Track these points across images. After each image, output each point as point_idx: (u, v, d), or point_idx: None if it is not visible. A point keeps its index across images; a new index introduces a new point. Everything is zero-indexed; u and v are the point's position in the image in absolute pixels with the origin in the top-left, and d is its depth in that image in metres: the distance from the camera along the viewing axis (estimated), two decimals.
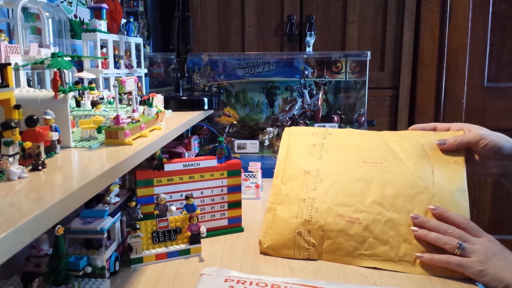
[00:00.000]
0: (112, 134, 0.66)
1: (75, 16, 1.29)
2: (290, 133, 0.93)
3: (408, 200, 0.77)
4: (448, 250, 0.70)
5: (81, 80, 0.92)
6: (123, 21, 1.14)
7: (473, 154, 0.82)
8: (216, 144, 0.89)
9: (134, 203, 0.78)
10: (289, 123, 1.46)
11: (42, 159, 0.51)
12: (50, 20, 0.83)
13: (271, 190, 0.85)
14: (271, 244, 0.78)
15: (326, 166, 0.84)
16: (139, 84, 1.19)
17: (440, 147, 0.81)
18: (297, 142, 0.91)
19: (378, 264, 0.73)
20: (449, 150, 0.81)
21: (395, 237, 0.74)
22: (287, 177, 0.85)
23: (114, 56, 1.07)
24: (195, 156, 1.18)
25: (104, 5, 1.01)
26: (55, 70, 0.62)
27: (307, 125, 1.46)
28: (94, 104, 0.82)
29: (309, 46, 1.82)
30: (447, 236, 0.71)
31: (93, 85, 0.91)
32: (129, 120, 0.69)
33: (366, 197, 0.78)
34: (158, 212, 0.77)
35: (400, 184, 0.78)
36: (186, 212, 0.79)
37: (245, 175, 1.16)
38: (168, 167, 0.84)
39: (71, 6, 1.26)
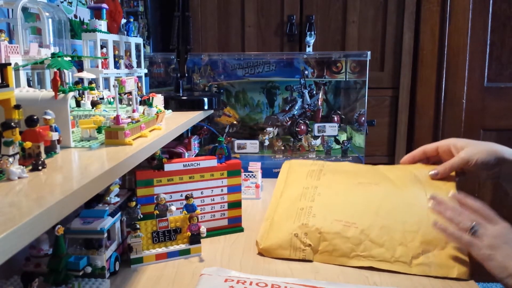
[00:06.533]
0: (112, 134, 0.66)
1: (75, 16, 1.29)
2: (290, 164, 1.00)
3: (403, 212, 0.79)
4: (460, 229, 0.71)
5: (81, 80, 0.92)
6: (123, 21, 1.14)
7: (465, 170, 0.88)
8: (216, 144, 0.89)
9: (134, 203, 0.78)
10: (289, 123, 1.46)
11: (42, 159, 0.51)
12: (50, 20, 0.83)
13: (270, 204, 0.89)
14: (268, 245, 0.78)
15: (324, 184, 0.89)
16: (139, 84, 1.19)
17: (434, 177, 0.87)
18: (296, 169, 0.97)
19: (374, 264, 0.74)
20: (440, 178, 0.87)
21: (391, 241, 0.75)
22: (286, 193, 0.89)
23: (114, 56, 1.07)
24: (195, 156, 1.18)
25: (104, 5, 1.01)
26: (55, 70, 0.62)
27: (307, 125, 1.46)
28: (94, 104, 0.82)
29: (309, 46, 1.82)
30: (461, 217, 0.73)
31: (93, 85, 0.91)
32: (129, 120, 0.69)
33: (363, 208, 0.81)
34: (158, 212, 0.77)
35: (395, 201, 0.82)
36: (186, 212, 0.79)
37: (245, 175, 1.16)
38: (168, 167, 0.84)
39: (71, 6, 1.26)
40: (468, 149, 0.83)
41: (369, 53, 1.42)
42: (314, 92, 1.44)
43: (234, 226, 0.91)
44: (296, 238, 0.78)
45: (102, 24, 1.00)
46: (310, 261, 0.76)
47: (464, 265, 0.72)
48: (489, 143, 0.86)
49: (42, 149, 0.52)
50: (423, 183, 0.85)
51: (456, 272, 0.70)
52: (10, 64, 0.53)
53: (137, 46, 1.20)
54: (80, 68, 1.05)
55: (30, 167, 0.51)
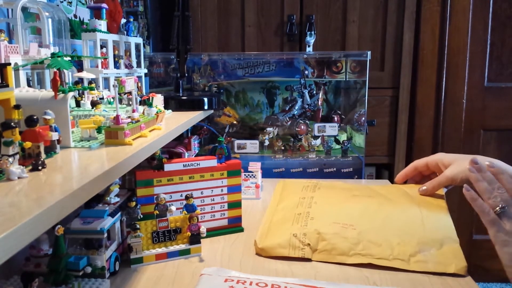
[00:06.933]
0: (112, 134, 0.66)
1: (75, 16, 1.29)
2: (284, 183, 1.04)
3: (398, 219, 0.82)
4: (489, 204, 0.71)
5: (81, 80, 0.92)
6: (123, 21, 1.14)
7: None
8: (216, 144, 0.89)
9: (134, 203, 0.78)
10: (289, 123, 1.46)
11: (42, 159, 0.51)
12: (49, 20, 0.83)
13: (266, 213, 0.91)
14: (266, 245, 0.78)
15: (320, 196, 0.93)
16: (139, 84, 1.19)
17: (422, 193, 0.92)
18: (291, 186, 1.01)
19: (372, 261, 0.74)
20: (429, 194, 0.92)
21: (388, 242, 0.76)
22: (282, 204, 0.92)
23: (114, 56, 1.06)
24: (195, 156, 1.18)
25: (104, 5, 1.01)
26: (55, 70, 0.62)
27: (307, 125, 1.46)
28: (94, 104, 0.82)
29: (309, 46, 1.82)
30: (495, 193, 0.72)
31: (93, 85, 0.91)
32: (129, 120, 0.69)
33: (359, 214, 0.83)
34: (158, 212, 0.77)
35: (389, 209, 0.85)
36: (186, 212, 0.78)
37: (245, 175, 1.16)
38: (168, 167, 0.83)
39: (70, 6, 1.26)
40: (453, 167, 0.87)
41: (369, 53, 1.42)
42: (314, 92, 1.44)
43: (234, 226, 0.91)
44: (295, 238, 0.78)
45: (102, 24, 1.00)
46: (309, 259, 0.76)
47: (462, 261, 0.72)
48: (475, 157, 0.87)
49: (42, 149, 0.52)
50: (415, 198, 0.90)
51: (454, 268, 0.71)
52: (9, 64, 0.53)
53: (137, 46, 1.20)
54: (80, 68, 1.05)
55: (30, 167, 0.50)
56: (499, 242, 0.68)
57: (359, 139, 1.46)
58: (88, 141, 0.67)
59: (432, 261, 0.72)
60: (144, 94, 1.17)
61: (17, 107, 0.53)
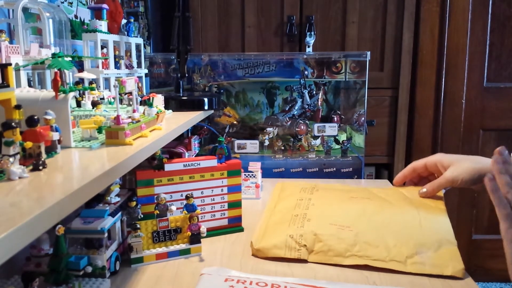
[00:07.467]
0: (113, 134, 0.66)
1: (76, 16, 1.29)
2: (282, 185, 1.05)
3: (396, 221, 0.82)
4: (506, 198, 0.68)
5: (81, 80, 0.92)
6: (124, 21, 1.14)
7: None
8: (216, 144, 0.89)
9: (134, 203, 0.78)
10: (289, 123, 1.46)
11: (42, 159, 0.51)
12: (50, 20, 0.83)
13: (264, 214, 0.91)
14: (262, 245, 0.78)
15: (318, 197, 0.93)
16: (140, 84, 1.19)
17: (422, 195, 0.92)
18: (289, 187, 1.02)
19: (369, 262, 0.74)
20: (429, 196, 0.92)
21: (385, 243, 0.76)
22: (279, 205, 0.93)
23: (115, 56, 1.07)
24: (195, 156, 1.18)
25: (105, 6, 1.01)
26: (56, 70, 0.62)
27: (307, 125, 1.46)
28: (94, 104, 0.82)
29: (309, 47, 1.82)
30: None
31: (94, 85, 0.91)
32: (130, 120, 0.69)
33: (356, 216, 0.84)
34: (158, 212, 0.78)
35: (387, 211, 0.85)
36: (187, 212, 0.79)
37: (245, 175, 1.16)
38: (168, 167, 0.84)
39: (71, 7, 1.27)
40: (453, 169, 0.87)
41: (368, 53, 1.42)
42: (314, 92, 1.45)
43: (234, 226, 0.91)
44: (291, 239, 0.78)
45: (103, 25, 1.00)
46: (305, 260, 0.76)
47: (459, 264, 0.72)
48: (475, 158, 0.87)
49: (42, 149, 0.52)
50: (413, 200, 0.90)
51: (451, 270, 0.71)
52: (10, 64, 0.53)
53: (138, 47, 1.21)
54: (81, 68, 1.05)
55: (31, 167, 0.51)
56: (508, 238, 0.66)
57: (359, 139, 1.46)
58: (89, 141, 0.67)
59: (428, 263, 0.72)
60: (145, 94, 1.17)
61: (18, 107, 0.53)
